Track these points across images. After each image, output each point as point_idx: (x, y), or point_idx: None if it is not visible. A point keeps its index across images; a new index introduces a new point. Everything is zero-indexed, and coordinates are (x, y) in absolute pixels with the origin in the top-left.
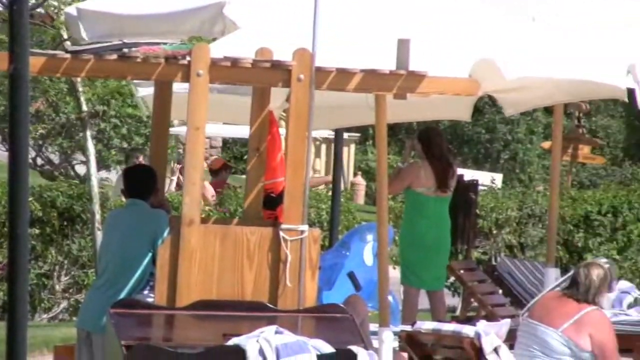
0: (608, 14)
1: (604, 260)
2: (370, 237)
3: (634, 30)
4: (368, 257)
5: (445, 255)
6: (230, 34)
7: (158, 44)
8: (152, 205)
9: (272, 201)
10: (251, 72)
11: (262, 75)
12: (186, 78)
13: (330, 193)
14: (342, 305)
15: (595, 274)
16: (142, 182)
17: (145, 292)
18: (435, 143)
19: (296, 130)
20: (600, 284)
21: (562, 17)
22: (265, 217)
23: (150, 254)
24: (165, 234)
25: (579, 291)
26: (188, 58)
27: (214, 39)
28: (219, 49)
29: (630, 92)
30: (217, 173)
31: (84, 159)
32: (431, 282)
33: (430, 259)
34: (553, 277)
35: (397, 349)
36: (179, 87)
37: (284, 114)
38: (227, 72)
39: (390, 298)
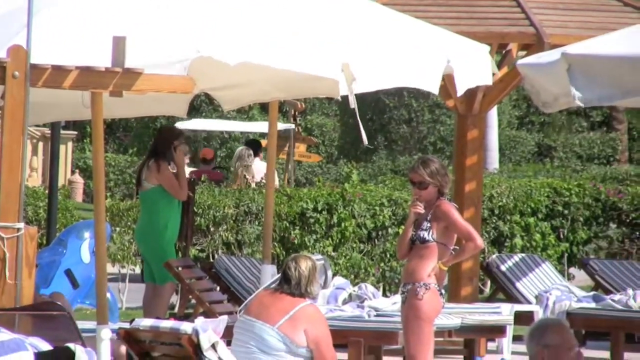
0: (321, 12)
1: (318, 256)
2: (87, 234)
3: (347, 30)
4: (85, 255)
5: (147, 250)
6: None
7: None
8: None
9: None
10: None
11: None
12: None
13: (47, 191)
14: (59, 303)
15: (304, 265)
16: None
17: None
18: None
19: (12, 127)
20: (310, 274)
21: (275, 14)
22: None
23: None
24: None
25: (291, 285)
26: None
27: None
28: None
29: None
30: (209, 162)
31: None
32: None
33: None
34: (270, 274)
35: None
36: None
37: None
38: None
39: (108, 295)
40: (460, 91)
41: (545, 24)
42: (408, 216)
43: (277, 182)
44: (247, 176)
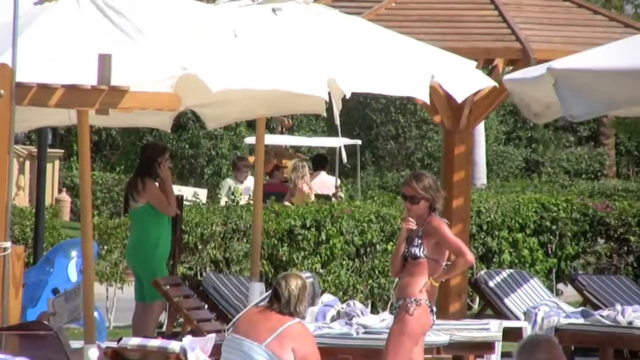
0: (308, 30)
1: (307, 274)
2: (74, 253)
3: (333, 46)
4: (72, 273)
5: (138, 268)
6: None
7: None
8: None
9: None
10: None
11: None
12: None
13: (34, 210)
14: (46, 323)
15: (294, 284)
16: None
17: None
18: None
19: None
20: (299, 293)
21: (262, 33)
22: None
23: None
24: None
25: (281, 303)
26: None
27: None
28: None
29: (330, 108)
30: (271, 175)
31: None
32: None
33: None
34: (258, 292)
35: None
36: None
37: None
38: None
39: (95, 314)
40: (460, 98)
41: (531, 39)
42: (400, 233)
43: (342, 195)
44: (305, 186)
